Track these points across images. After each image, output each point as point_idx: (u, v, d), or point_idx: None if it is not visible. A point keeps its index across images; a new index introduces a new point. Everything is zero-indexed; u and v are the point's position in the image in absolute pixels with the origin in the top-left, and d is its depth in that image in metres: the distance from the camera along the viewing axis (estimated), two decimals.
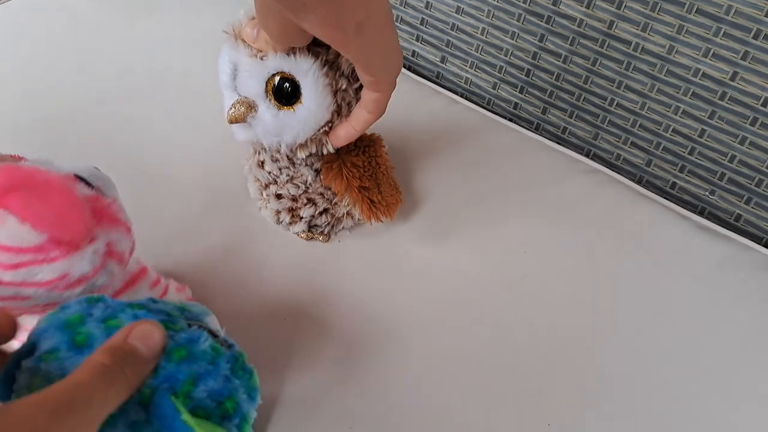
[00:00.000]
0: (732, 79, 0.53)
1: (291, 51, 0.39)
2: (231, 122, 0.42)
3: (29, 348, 0.27)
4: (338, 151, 0.45)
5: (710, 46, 0.53)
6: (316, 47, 0.39)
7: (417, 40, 0.71)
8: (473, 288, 0.50)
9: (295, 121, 0.41)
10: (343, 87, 0.41)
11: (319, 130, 0.42)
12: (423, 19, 0.69)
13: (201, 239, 0.52)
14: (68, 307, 0.29)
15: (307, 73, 0.39)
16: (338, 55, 0.40)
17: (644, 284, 0.51)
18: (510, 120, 0.66)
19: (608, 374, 0.46)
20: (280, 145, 0.43)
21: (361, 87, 0.41)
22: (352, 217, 0.51)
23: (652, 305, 0.49)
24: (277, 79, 0.40)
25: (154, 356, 0.26)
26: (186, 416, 0.26)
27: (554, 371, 0.46)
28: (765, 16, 0.50)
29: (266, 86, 0.40)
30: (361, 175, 0.46)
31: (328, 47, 0.39)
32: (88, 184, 0.33)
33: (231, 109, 0.42)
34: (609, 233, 0.54)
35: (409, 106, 0.64)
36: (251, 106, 0.41)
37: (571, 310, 0.49)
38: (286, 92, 0.40)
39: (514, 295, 0.50)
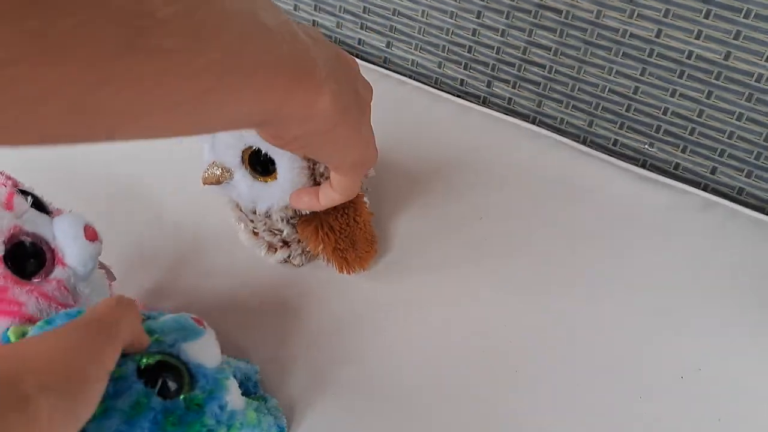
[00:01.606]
0: (657, 36, 0.57)
1: None
2: (205, 184, 0.43)
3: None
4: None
5: (634, 7, 0.57)
6: None
7: (361, 27, 0.73)
8: (436, 257, 0.53)
9: (270, 194, 0.42)
10: (321, 170, 0.42)
11: None
12: (365, 7, 0.71)
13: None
14: (53, 321, 0.31)
15: (284, 153, 0.40)
16: None
17: (595, 237, 0.54)
18: (458, 96, 0.69)
19: (567, 321, 0.49)
20: (255, 208, 0.44)
21: None
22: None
23: (608, 253, 0.53)
24: (255, 147, 0.41)
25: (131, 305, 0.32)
26: None
27: (513, 325, 0.49)
28: None
29: (243, 154, 0.41)
30: (337, 238, 0.46)
31: None
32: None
33: (206, 171, 0.42)
34: (560, 191, 0.57)
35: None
36: (227, 171, 0.42)
37: (529, 263, 0.52)
38: (262, 162, 0.41)
39: (475, 255, 0.53)
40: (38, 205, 0.39)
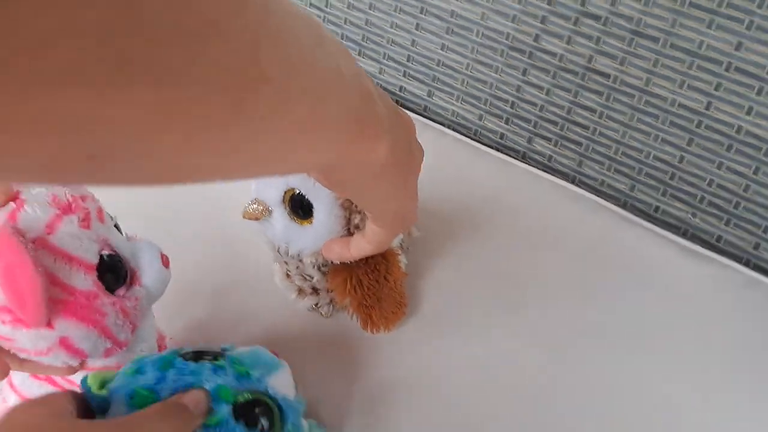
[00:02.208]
0: (707, 108, 0.57)
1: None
2: (244, 218, 0.44)
3: (102, 402, 0.30)
4: (348, 263, 0.45)
5: (684, 78, 0.56)
6: None
7: (404, 75, 0.73)
8: (468, 319, 0.52)
9: (304, 237, 0.43)
10: (356, 221, 0.42)
11: None
12: (409, 56, 0.72)
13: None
14: (142, 370, 0.32)
15: (323, 199, 0.40)
16: None
17: (632, 306, 0.53)
18: (497, 150, 0.68)
19: (595, 393, 0.48)
20: (287, 249, 0.45)
21: None
22: None
23: (640, 325, 0.52)
24: (297, 190, 0.41)
25: (200, 414, 0.30)
26: None
27: (546, 390, 0.48)
28: (734, 50, 0.53)
29: (284, 195, 0.42)
30: (364, 293, 0.46)
31: None
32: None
33: (247, 206, 0.43)
34: (598, 256, 0.57)
35: None
36: (266, 209, 0.43)
37: (564, 328, 0.51)
38: (302, 206, 0.41)
39: (508, 319, 0.52)
40: (116, 227, 0.39)
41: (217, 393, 0.31)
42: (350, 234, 0.43)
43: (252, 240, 0.51)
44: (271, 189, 0.41)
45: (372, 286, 0.46)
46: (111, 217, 0.39)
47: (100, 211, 0.37)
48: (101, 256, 0.35)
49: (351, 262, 0.45)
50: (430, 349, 0.51)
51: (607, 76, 0.60)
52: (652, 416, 0.47)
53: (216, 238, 0.57)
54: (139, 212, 0.59)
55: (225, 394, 0.32)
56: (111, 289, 0.36)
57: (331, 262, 0.45)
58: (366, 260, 0.46)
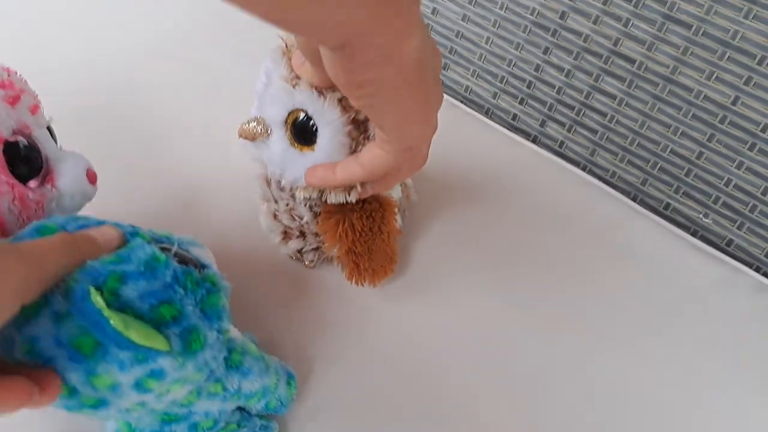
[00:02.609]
0: (733, 103, 0.54)
1: (322, 95, 0.36)
2: (240, 137, 0.40)
3: None
4: (344, 203, 0.41)
5: (714, 69, 0.54)
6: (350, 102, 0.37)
7: None
8: (462, 289, 0.49)
9: (301, 163, 0.39)
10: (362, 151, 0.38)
11: None
12: (429, 25, 0.69)
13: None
14: (54, 219, 0.30)
15: (329, 124, 0.37)
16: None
17: (637, 299, 0.50)
18: (508, 130, 0.66)
19: (596, 390, 0.45)
20: (281, 178, 0.41)
21: None
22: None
23: (640, 316, 0.49)
24: (302, 115, 0.38)
25: (108, 248, 0.28)
26: (94, 297, 0.25)
27: (544, 386, 0.45)
28: None
29: (288, 117, 0.38)
30: (355, 239, 0.43)
31: None
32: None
33: (246, 123, 0.40)
34: (601, 245, 0.54)
35: None
36: (266, 130, 0.39)
37: (561, 321, 0.48)
38: (305, 131, 0.38)
39: (503, 296, 0.49)
40: (50, 129, 0.38)
41: (133, 233, 0.30)
42: None
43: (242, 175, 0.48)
44: (276, 107, 0.38)
45: (364, 234, 0.43)
46: (47, 119, 0.37)
47: (35, 106, 0.36)
48: (17, 143, 0.34)
49: (345, 205, 0.42)
50: (412, 311, 0.47)
51: (632, 61, 0.58)
52: (643, 408, 0.44)
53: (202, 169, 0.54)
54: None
55: (143, 235, 0.30)
56: (22, 179, 0.34)
57: (324, 203, 0.42)
58: (362, 205, 0.42)
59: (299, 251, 0.48)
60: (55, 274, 0.26)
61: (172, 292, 0.28)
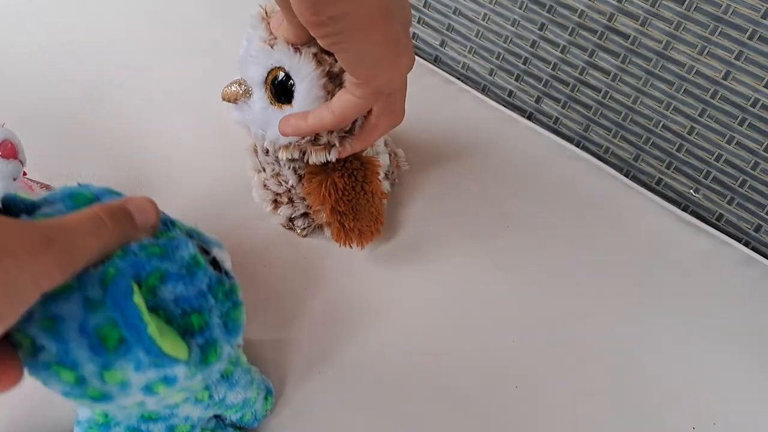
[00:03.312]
0: (725, 78, 0.55)
1: (297, 51, 0.37)
2: (223, 99, 0.41)
3: (30, 206, 0.26)
4: (326, 164, 0.43)
5: (706, 44, 0.54)
6: (324, 54, 0.38)
7: (418, 22, 0.71)
8: (454, 258, 0.50)
9: (278, 120, 0.40)
10: None
11: (302, 138, 0.40)
12: (426, 1, 0.70)
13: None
14: (87, 186, 0.28)
15: (305, 77, 0.38)
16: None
17: (623, 269, 0.51)
18: (504, 106, 0.66)
19: (587, 360, 0.46)
20: (263, 139, 0.42)
21: None
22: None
23: (632, 286, 0.50)
24: (281, 74, 0.39)
25: (144, 229, 0.26)
26: (137, 298, 0.24)
27: (531, 353, 0.46)
28: (762, 17, 0.51)
29: (267, 76, 0.39)
30: (338, 198, 0.44)
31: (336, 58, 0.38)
32: None
33: (227, 86, 0.41)
34: (594, 216, 0.55)
35: None
36: (247, 91, 0.40)
37: (549, 291, 0.49)
38: (283, 88, 0.39)
39: (494, 266, 0.50)
40: None
41: (170, 220, 0.29)
42: None
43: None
44: (256, 67, 0.39)
45: (347, 192, 0.44)
46: None
47: None
48: None
49: (327, 165, 0.43)
50: (402, 275, 0.48)
51: (626, 36, 0.58)
52: (629, 376, 0.45)
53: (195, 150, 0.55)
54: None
55: (180, 226, 0.29)
56: None
57: (307, 164, 0.43)
58: (343, 164, 0.44)
59: (290, 219, 0.49)
60: (85, 262, 0.24)
61: (204, 301, 0.27)
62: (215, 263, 0.29)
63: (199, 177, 0.54)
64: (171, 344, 0.25)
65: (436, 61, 0.72)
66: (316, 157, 0.41)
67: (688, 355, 0.46)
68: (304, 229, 0.49)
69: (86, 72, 0.61)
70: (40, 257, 0.22)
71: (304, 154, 0.42)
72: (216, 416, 0.38)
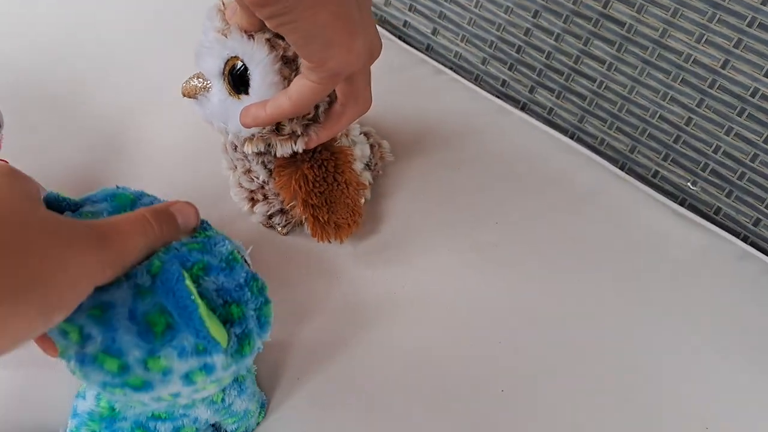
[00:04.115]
0: (723, 66, 0.53)
1: (251, 37, 0.36)
2: (183, 95, 0.40)
3: (74, 204, 0.29)
4: (294, 156, 0.42)
5: (704, 32, 0.52)
6: (278, 39, 0.37)
7: (409, 9, 0.69)
8: (442, 253, 0.49)
9: (238, 111, 0.39)
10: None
11: (264, 128, 0.39)
12: None
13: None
14: (125, 189, 0.31)
15: (258, 63, 0.37)
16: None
17: (618, 264, 0.50)
18: (497, 97, 0.64)
19: (579, 357, 0.44)
20: (227, 133, 0.41)
21: None
22: None
23: (625, 281, 0.48)
24: (239, 63, 0.38)
25: (185, 229, 0.29)
26: (188, 281, 0.26)
27: (520, 351, 0.44)
28: (761, 3, 0.49)
29: (225, 67, 0.38)
30: (309, 190, 0.42)
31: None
32: None
33: (186, 81, 0.40)
34: (587, 210, 0.53)
35: (395, 71, 0.63)
36: (205, 85, 0.39)
37: (540, 287, 0.48)
38: (241, 78, 0.38)
39: (481, 260, 0.48)
40: None
41: (207, 222, 0.31)
42: None
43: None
44: (212, 58, 0.38)
45: (319, 184, 0.43)
46: None
47: None
48: None
49: (296, 158, 0.42)
50: (383, 272, 0.47)
51: (621, 24, 0.56)
52: (622, 370, 0.43)
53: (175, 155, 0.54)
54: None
55: (213, 228, 0.31)
56: None
57: (275, 156, 0.42)
58: (312, 155, 0.42)
59: (269, 217, 0.48)
60: (134, 260, 0.26)
61: (242, 293, 0.29)
62: (248, 265, 0.31)
63: (179, 175, 0.52)
64: (216, 328, 0.27)
65: (428, 49, 0.70)
66: (282, 149, 0.40)
67: (682, 351, 0.45)
68: (284, 226, 0.48)
69: (65, 67, 0.60)
70: (96, 254, 0.24)
71: (270, 146, 0.40)
72: (213, 426, 0.38)
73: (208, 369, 0.28)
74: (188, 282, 0.26)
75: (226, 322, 0.28)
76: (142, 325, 0.26)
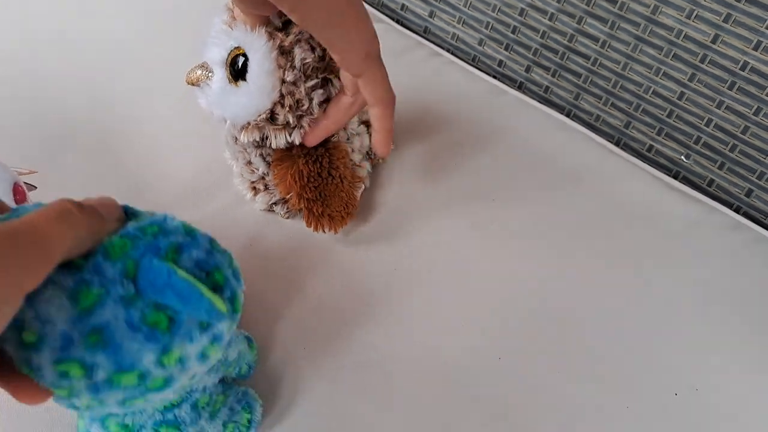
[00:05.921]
0: (713, 41, 0.54)
1: (253, 30, 0.39)
2: (187, 83, 0.42)
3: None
4: (291, 149, 0.43)
5: (694, 7, 0.53)
6: (276, 30, 0.39)
7: None
8: (442, 232, 0.51)
9: (236, 98, 0.40)
10: (291, 79, 0.40)
11: (259, 116, 0.41)
12: None
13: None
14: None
15: (257, 50, 0.39)
16: (295, 44, 0.39)
17: (614, 238, 0.51)
18: (494, 77, 0.66)
19: (573, 329, 0.46)
20: (225, 121, 0.43)
21: (315, 87, 0.41)
22: None
23: (620, 255, 0.50)
24: (241, 58, 0.39)
25: (110, 218, 0.27)
26: (182, 272, 0.25)
27: (521, 321, 0.46)
28: None
29: (228, 57, 0.40)
30: (304, 185, 0.44)
31: (287, 33, 0.39)
32: None
33: (191, 70, 0.42)
34: (583, 187, 0.55)
35: (393, 55, 0.64)
36: (207, 73, 0.41)
37: (538, 263, 0.50)
38: (242, 66, 0.39)
39: (480, 237, 0.50)
40: None
41: (129, 207, 0.29)
42: (282, 96, 0.40)
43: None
44: (216, 48, 0.40)
45: (313, 179, 0.44)
46: None
47: None
48: None
49: (293, 151, 0.44)
50: (382, 252, 0.49)
51: (614, 2, 0.57)
52: (612, 353, 0.45)
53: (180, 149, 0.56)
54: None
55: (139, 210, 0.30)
56: None
57: (273, 150, 0.44)
58: (308, 151, 0.44)
59: (271, 206, 0.49)
60: (64, 250, 0.24)
61: (214, 258, 0.29)
62: None
63: (183, 163, 0.54)
64: (218, 301, 0.26)
65: (425, 32, 0.71)
66: (276, 140, 0.42)
67: (674, 321, 0.46)
68: (286, 212, 0.50)
69: (67, 63, 0.62)
70: (19, 260, 0.21)
71: (266, 139, 0.42)
72: (220, 381, 0.39)
73: (217, 338, 0.29)
74: (181, 273, 0.25)
75: (215, 289, 0.28)
76: (146, 330, 0.26)
